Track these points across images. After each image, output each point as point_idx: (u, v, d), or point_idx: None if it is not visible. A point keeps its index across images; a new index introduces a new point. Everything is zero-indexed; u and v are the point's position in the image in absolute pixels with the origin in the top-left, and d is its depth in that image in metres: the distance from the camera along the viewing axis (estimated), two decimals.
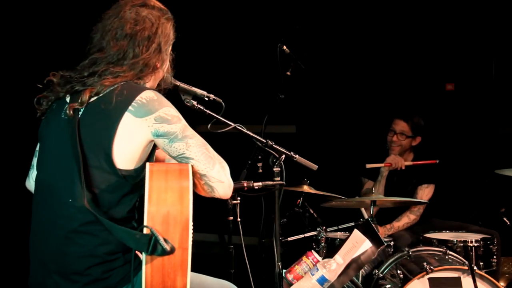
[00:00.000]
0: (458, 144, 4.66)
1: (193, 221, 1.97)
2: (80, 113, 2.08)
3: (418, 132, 4.38)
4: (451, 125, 5.25)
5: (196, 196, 2.17)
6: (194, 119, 2.66)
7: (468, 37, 5.24)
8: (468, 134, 5.09)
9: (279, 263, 2.65)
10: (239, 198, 2.83)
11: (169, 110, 2.09)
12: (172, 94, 2.49)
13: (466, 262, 3.48)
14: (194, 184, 2.07)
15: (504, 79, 5.18)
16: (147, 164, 2.01)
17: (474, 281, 3.23)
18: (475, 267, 3.31)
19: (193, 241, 1.97)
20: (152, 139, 2.08)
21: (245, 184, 2.65)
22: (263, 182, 2.64)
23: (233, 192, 2.71)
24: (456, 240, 3.73)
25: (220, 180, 2.09)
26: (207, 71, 5.87)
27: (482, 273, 3.37)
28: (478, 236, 3.80)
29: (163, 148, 2.11)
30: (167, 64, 2.29)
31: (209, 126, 2.55)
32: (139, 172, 2.08)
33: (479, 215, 4.35)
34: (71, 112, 2.07)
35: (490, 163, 4.63)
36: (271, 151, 2.63)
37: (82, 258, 2.05)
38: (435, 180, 4.34)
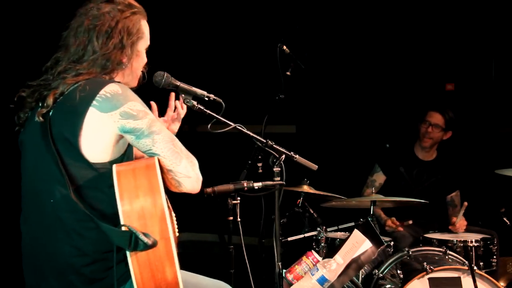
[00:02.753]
0: (458, 144, 4.66)
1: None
2: (50, 114, 2.09)
3: (451, 127, 4.41)
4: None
5: (196, 196, 2.17)
6: (194, 119, 2.66)
7: (468, 37, 5.23)
8: (468, 134, 5.09)
9: (279, 263, 2.64)
10: (239, 198, 2.83)
11: (135, 104, 2.07)
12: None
13: (466, 262, 3.48)
14: (163, 179, 2.05)
15: (504, 79, 5.18)
16: (114, 166, 2.00)
17: (474, 281, 3.23)
18: (475, 267, 3.31)
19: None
20: (120, 133, 2.06)
21: (245, 184, 2.65)
22: (263, 182, 2.64)
23: (233, 192, 2.71)
24: (456, 240, 3.73)
25: (187, 175, 2.08)
26: (207, 71, 5.87)
27: (482, 273, 3.38)
28: (478, 236, 3.81)
29: (131, 143, 2.10)
30: (138, 60, 2.24)
31: (209, 126, 2.55)
32: (116, 163, 2.06)
33: (479, 215, 4.35)
34: (41, 118, 2.07)
35: (490, 163, 4.63)
36: (271, 151, 2.63)
37: (74, 258, 2.04)
38: (459, 187, 4.46)
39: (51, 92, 2.09)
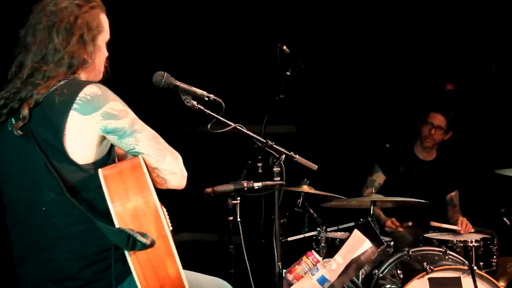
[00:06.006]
0: (458, 144, 4.66)
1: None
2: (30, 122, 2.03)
3: (452, 127, 4.40)
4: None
5: (196, 196, 2.17)
6: (194, 119, 2.65)
7: (468, 37, 5.23)
8: (468, 134, 5.09)
9: (279, 263, 2.64)
10: (239, 198, 2.82)
11: (116, 104, 2.04)
12: (172, 94, 2.50)
13: (466, 262, 3.48)
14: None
15: (504, 79, 5.18)
16: (99, 170, 1.97)
17: (474, 281, 3.23)
18: (475, 267, 3.31)
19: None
20: (103, 134, 2.03)
21: (245, 184, 2.64)
22: (263, 182, 2.64)
23: (233, 192, 2.71)
24: (456, 240, 3.73)
25: (172, 172, 2.05)
26: (207, 71, 5.86)
27: (482, 273, 3.37)
28: (478, 236, 3.80)
29: (114, 144, 2.08)
30: (100, 55, 2.19)
31: (209, 126, 2.54)
32: (102, 163, 2.05)
33: (479, 215, 4.35)
34: (19, 131, 2.02)
35: (490, 163, 4.63)
36: (271, 151, 2.63)
37: (71, 262, 2.03)
38: (458, 186, 4.45)
39: (24, 103, 2.03)
